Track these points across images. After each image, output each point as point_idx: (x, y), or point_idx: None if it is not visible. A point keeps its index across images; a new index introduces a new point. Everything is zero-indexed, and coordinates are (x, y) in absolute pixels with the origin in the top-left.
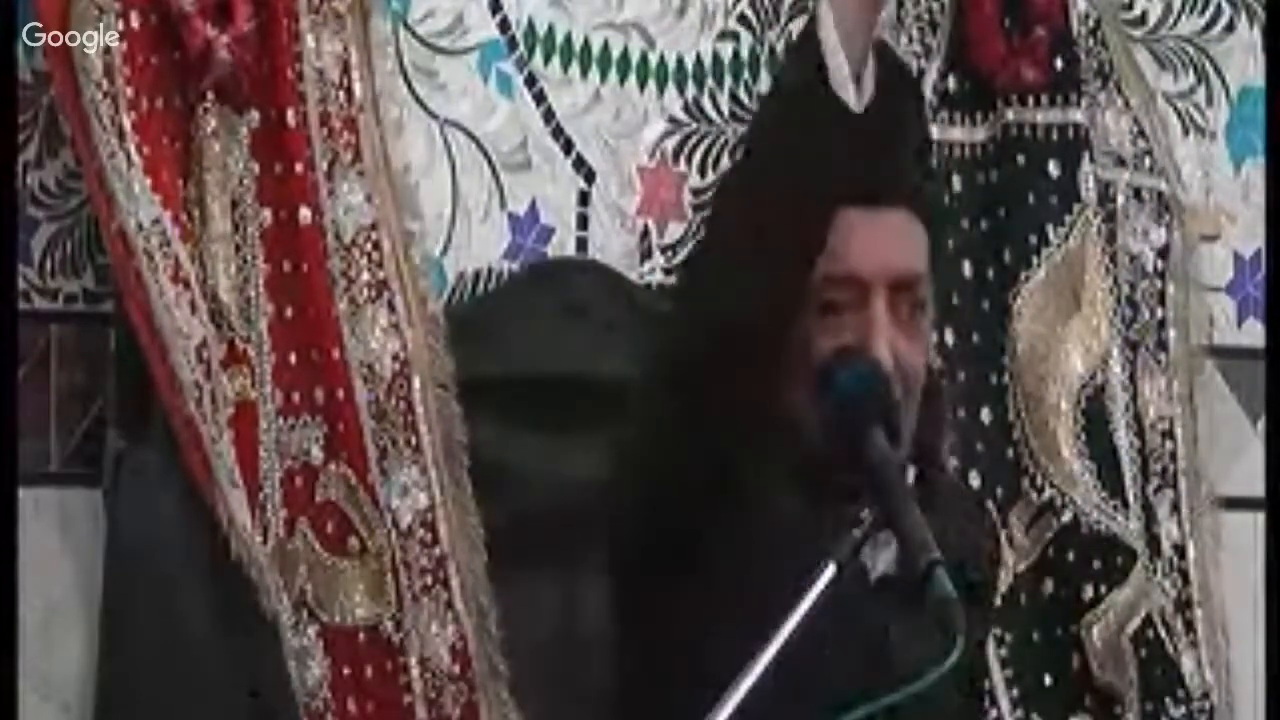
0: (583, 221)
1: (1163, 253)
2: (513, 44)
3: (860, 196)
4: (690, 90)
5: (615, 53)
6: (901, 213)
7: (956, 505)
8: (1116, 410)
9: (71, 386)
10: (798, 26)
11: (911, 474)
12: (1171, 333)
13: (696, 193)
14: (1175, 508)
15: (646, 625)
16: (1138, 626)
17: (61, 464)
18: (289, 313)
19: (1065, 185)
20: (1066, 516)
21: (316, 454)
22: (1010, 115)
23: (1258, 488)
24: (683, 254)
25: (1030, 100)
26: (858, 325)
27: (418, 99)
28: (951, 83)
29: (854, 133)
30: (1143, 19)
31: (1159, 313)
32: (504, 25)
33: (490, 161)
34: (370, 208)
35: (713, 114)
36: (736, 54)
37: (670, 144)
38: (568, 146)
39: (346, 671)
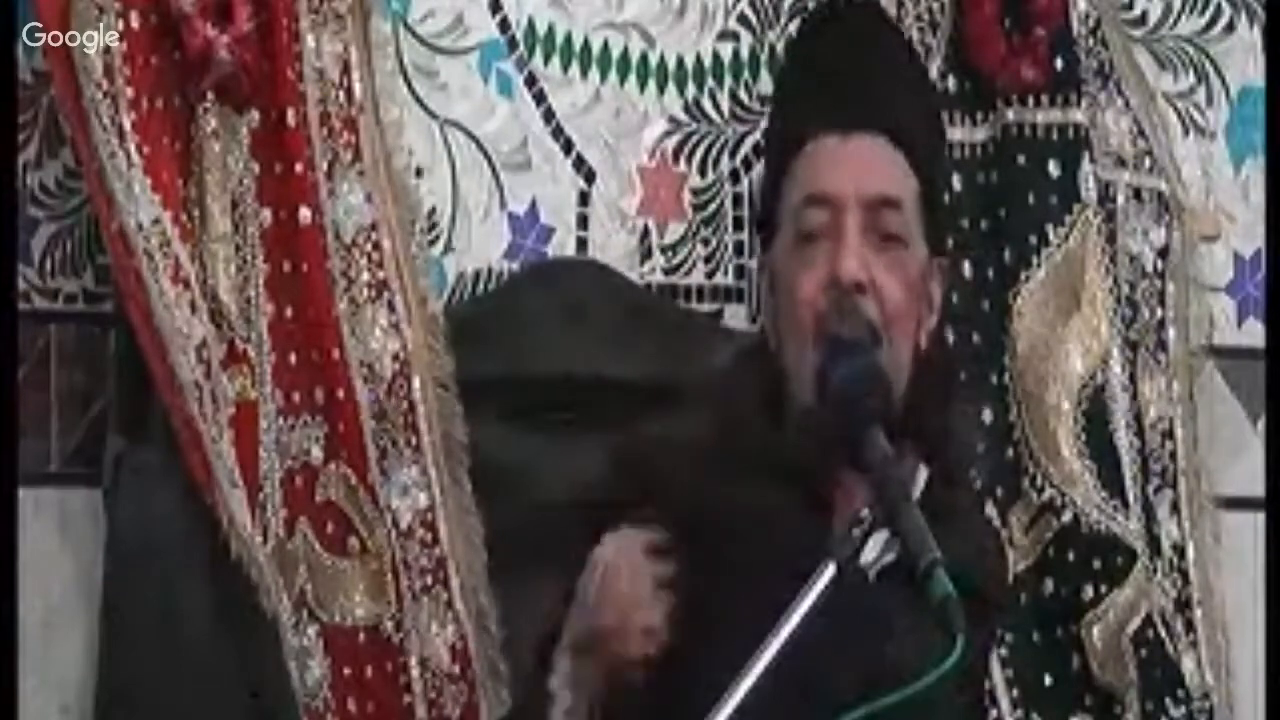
0: (583, 221)
1: (1163, 253)
2: (513, 44)
3: (834, 122)
4: (690, 90)
5: (615, 53)
6: (878, 139)
7: (962, 510)
8: (1116, 410)
9: (71, 386)
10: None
11: (921, 482)
12: (1171, 333)
13: (696, 193)
14: (1175, 508)
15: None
16: (1138, 626)
17: (61, 464)
18: (289, 313)
19: (1065, 185)
20: (1066, 516)
21: (316, 454)
22: (1010, 115)
23: (1258, 488)
24: None
25: (1030, 100)
26: (831, 248)
27: (418, 99)
28: (951, 83)
29: (829, 66)
30: (1143, 19)
31: (1159, 313)
32: (504, 25)
33: (490, 161)
34: (370, 208)
35: (713, 114)
36: (736, 54)
37: (670, 144)
38: (568, 146)
39: (346, 671)
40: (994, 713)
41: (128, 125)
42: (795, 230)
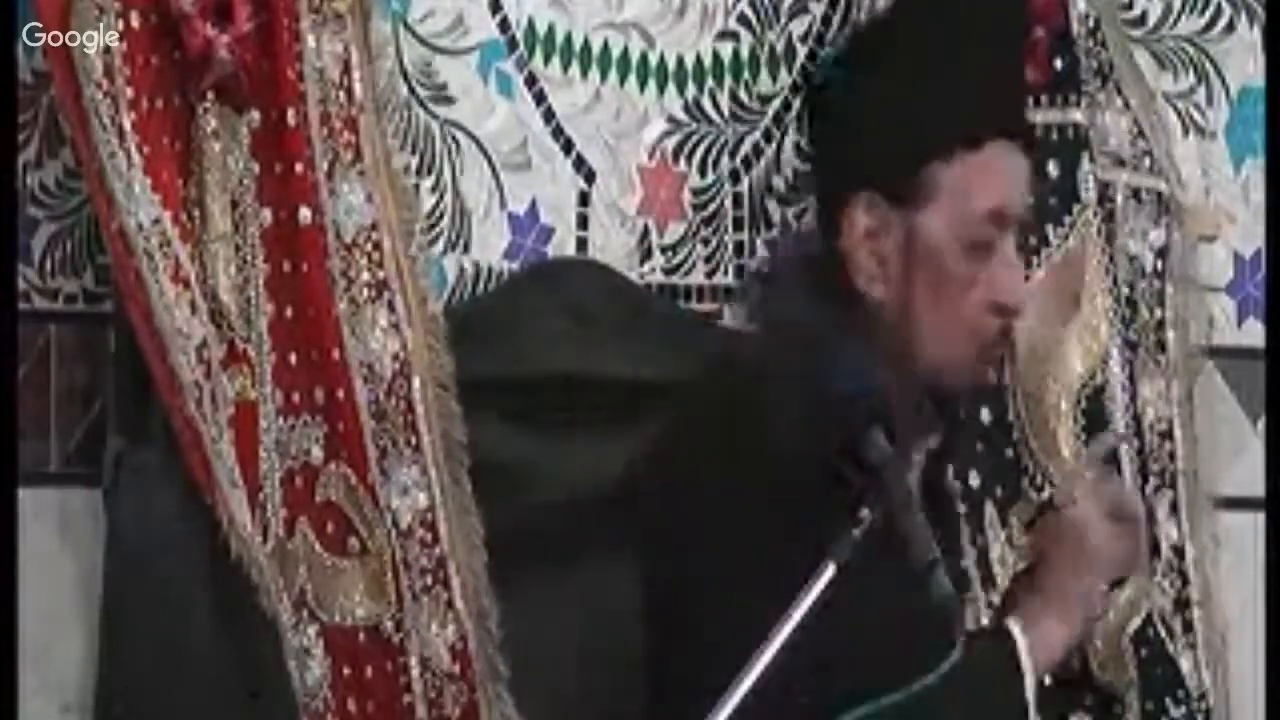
0: (583, 221)
1: (1162, 253)
2: (513, 44)
3: (1014, 130)
4: (690, 90)
5: (615, 53)
6: (1023, 154)
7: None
8: (1116, 410)
9: (71, 386)
10: (798, 26)
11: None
12: (1170, 333)
13: (696, 193)
14: (1174, 508)
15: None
16: (1138, 626)
17: (61, 464)
18: (289, 313)
19: (1065, 185)
20: None
21: (316, 454)
22: None
23: (1258, 488)
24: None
25: (1030, 100)
26: (999, 268)
27: (418, 99)
28: None
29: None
30: (1143, 19)
31: (1158, 313)
32: (504, 25)
33: (490, 161)
34: (370, 208)
35: (713, 114)
36: (736, 54)
37: (670, 144)
38: (568, 146)
39: (346, 671)
40: None
41: (128, 125)
42: (968, 238)
